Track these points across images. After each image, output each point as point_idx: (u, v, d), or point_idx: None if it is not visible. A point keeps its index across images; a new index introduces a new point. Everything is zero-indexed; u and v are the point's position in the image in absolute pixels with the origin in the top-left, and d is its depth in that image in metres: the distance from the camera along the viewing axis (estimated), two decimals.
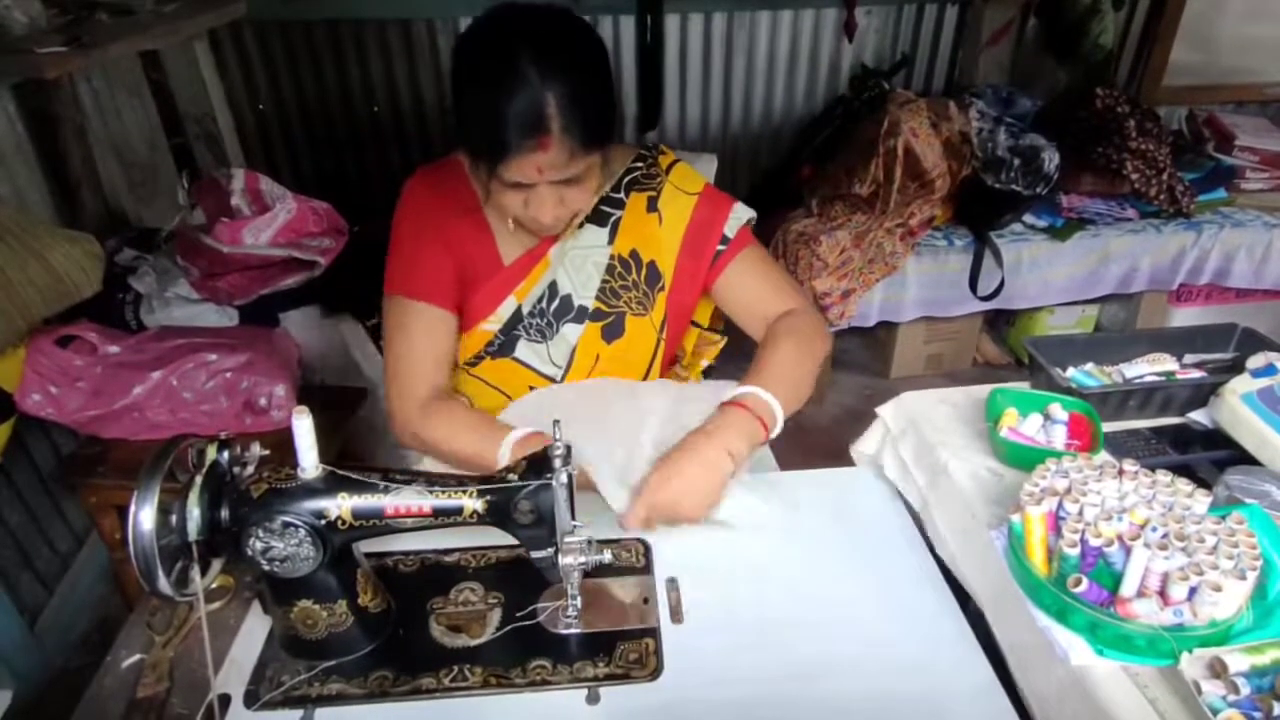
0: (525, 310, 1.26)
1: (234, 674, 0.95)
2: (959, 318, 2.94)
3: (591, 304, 1.26)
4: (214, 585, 1.01)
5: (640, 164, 1.29)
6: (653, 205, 1.27)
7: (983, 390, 1.32)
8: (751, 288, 1.29)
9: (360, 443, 2.10)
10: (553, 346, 1.28)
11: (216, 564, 0.93)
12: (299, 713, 0.91)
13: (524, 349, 1.28)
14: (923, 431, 1.28)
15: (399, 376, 1.19)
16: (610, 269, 1.26)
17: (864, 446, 1.46)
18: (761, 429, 1.10)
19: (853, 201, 2.75)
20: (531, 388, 1.31)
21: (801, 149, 3.11)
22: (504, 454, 1.09)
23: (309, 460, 0.89)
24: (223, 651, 0.98)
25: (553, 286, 1.26)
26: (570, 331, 1.27)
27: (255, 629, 1.01)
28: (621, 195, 1.27)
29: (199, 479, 0.87)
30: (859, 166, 2.72)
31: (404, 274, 1.21)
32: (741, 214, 1.29)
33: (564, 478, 0.90)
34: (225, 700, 0.92)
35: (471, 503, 0.92)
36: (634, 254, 1.27)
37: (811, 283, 2.67)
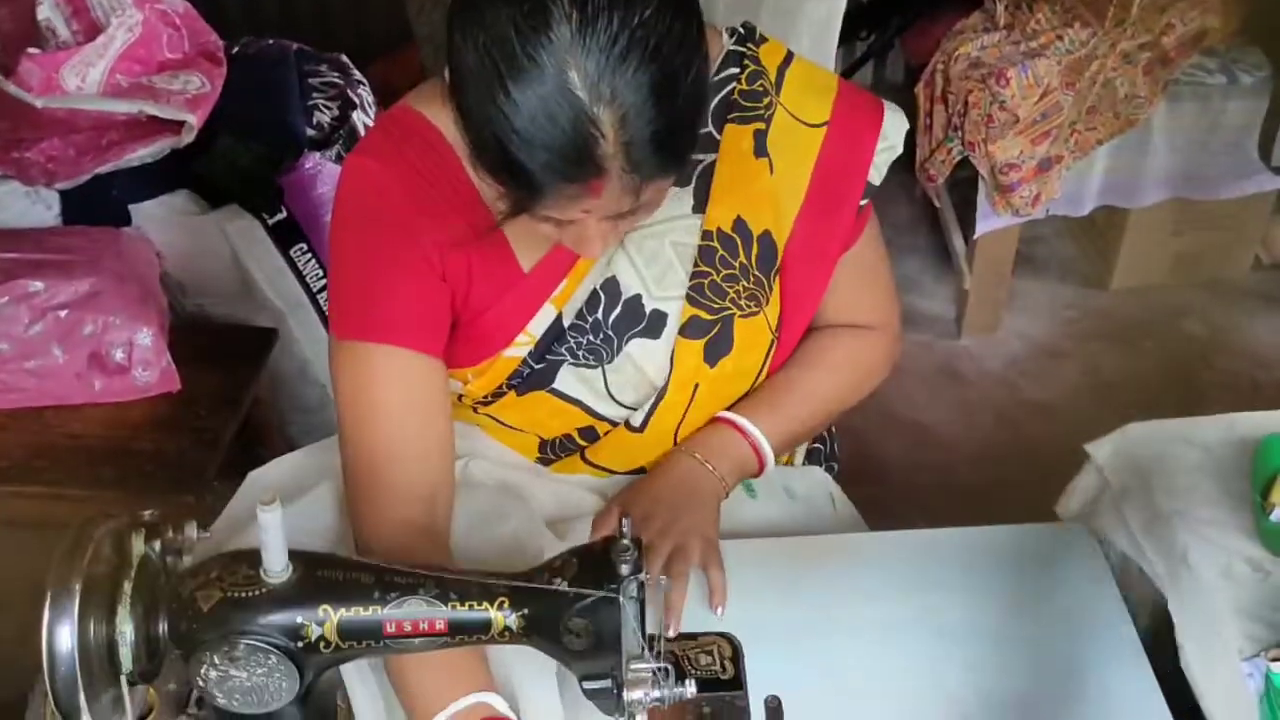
0: (567, 323, 1.08)
1: None
2: (1233, 200, 2.30)
3: (681, 309, 1.08)
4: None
5: (736, 69, 1.04)
6: (761, 146, 1.04)
7: (1253, 427, 1.09)
8: (843, 292, 1.15)
9: (270, 410, 1.69)
10: (614, 373, 1.09)
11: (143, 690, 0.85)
12: None
13: (568, 377, 1.09)
14: (1153, 491, 1.08)
15: (376, 472, 0.99)
16: (706, 252, 1.06)
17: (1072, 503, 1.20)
18: (756, 462, 1.09)
19: (1067, 5, 2.10)
20: (579, 430, 1.12)
21: None
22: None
23: (277, 561, 0.78)
24: None
25: (610, 284, 1.07)
26: (639, 351, 1.08)
27: None
28: (713, 131, 1.03)
29: (128, 585, 0.76)
30: None
31: (365, 308, 1.00)
32: (894, 133, 1.07)
33: (633, 589, 0.78)
34: None
35: (502, 615, 0.83)
36: (739, 224, 1.07)
37: (987, 147, 2.01)
